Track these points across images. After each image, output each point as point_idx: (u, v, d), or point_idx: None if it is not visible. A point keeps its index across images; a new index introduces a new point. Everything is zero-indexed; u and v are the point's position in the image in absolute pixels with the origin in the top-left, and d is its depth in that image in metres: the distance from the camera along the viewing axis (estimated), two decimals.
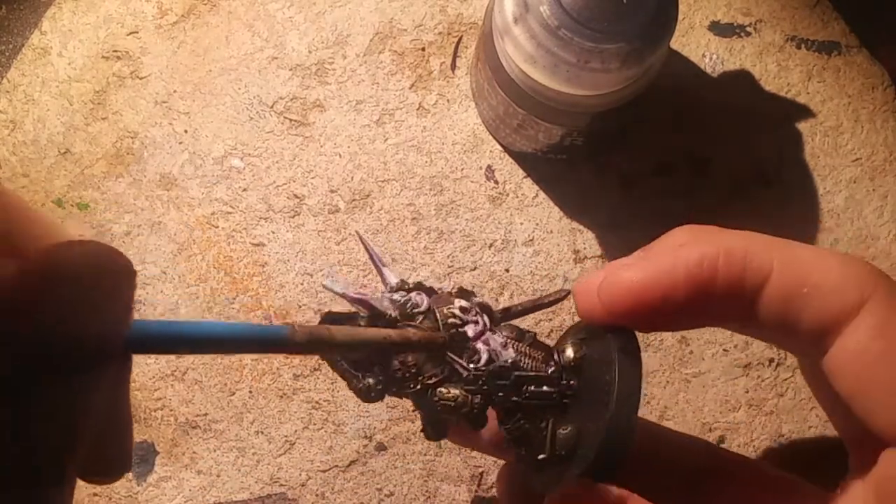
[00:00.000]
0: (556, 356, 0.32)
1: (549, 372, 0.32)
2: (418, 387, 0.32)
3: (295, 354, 0.27)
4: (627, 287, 0.23)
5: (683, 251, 0.23)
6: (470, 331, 0.32)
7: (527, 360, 0.32)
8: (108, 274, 0.17)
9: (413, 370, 0.33)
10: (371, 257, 0.35)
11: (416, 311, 0.33)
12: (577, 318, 0.45)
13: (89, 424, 0.17)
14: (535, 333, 0.33)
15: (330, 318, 0.33)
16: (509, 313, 0.35)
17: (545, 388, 0.31)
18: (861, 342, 0.21)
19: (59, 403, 0.16)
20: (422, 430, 0.35)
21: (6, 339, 0.15)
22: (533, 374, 0.32)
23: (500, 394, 0.31)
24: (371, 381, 0.33)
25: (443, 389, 0.32)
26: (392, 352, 0.29)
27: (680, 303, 0.23)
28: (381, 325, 0.33)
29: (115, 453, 0.19)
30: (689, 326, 0.26)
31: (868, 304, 0.21)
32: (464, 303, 0.33)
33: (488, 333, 0.32)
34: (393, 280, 0.35)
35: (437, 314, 0.33)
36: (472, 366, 0.32)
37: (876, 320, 0.21)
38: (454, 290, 0.34)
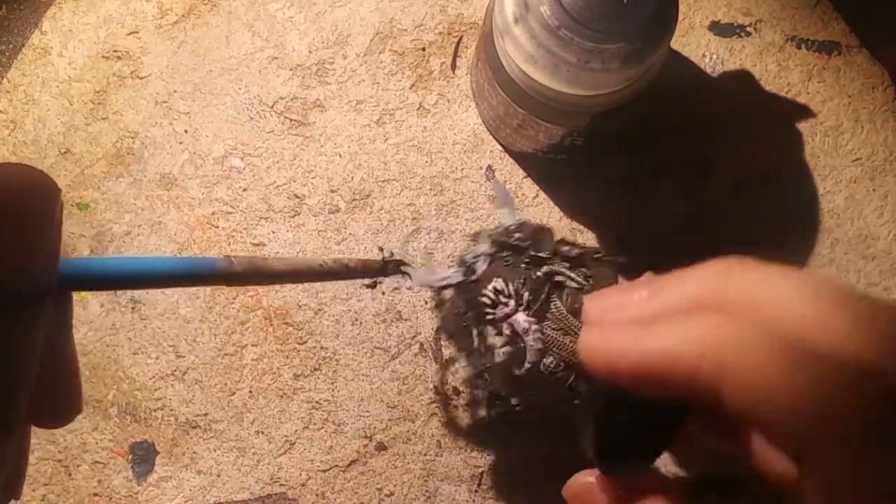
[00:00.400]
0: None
1: (559, 376, 0.33)
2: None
3: (233, 285, 0.27)
4: (591, 358, 0.22)
5: (633, 344, 0.21)
6: (499, 312, 0.35)
7: (550, 352, 0.34)
8: (32, 197, 0.15)
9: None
10: (498, 195, 0.38)
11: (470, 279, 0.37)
12: None
13: (31, 366, 0.16)
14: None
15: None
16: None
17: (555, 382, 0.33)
18: None
19: None
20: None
21: None
22: (544, 369, 0.33)
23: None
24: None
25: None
26: (335, 279, 0.30)
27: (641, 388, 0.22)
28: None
29: (64, 396, 0.18)
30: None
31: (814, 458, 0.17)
32: (499, 284, 0.35)
33: (516, 316, 0.34)
34: (508, 221, 0.38)
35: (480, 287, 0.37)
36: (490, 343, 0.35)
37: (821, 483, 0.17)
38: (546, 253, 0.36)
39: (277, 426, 0.44)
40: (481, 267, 0.38)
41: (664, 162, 0.47)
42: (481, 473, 0.44)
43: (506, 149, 0.47)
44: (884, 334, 0.18)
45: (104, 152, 0.47)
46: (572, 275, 0.37)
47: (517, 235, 0.38)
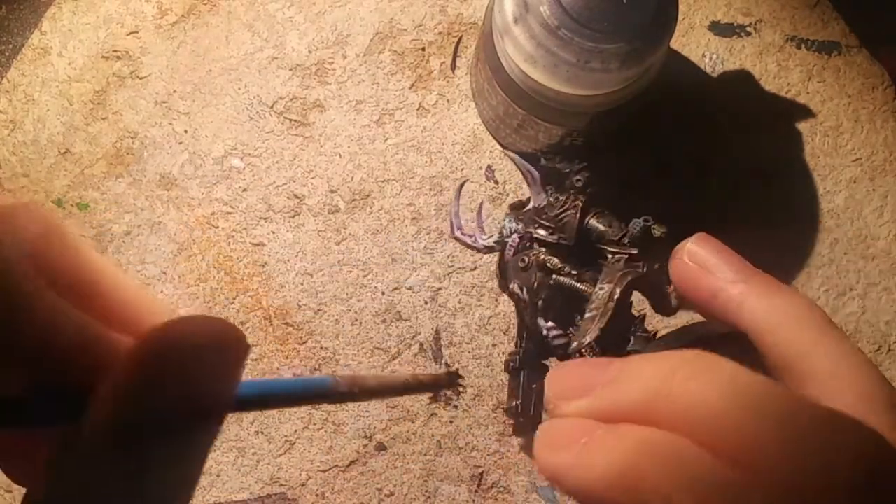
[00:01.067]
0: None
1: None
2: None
3: (329, 403, 0.29)
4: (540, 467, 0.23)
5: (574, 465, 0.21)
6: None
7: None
8: (225, 347, 0.19)
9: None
10: (523, 174, 0.39)
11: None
12: None
13: (197, 476, 0.19)
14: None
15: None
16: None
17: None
18: None
19: (176, 457, 0.18)
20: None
21: (139, 402, 0.17)
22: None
23: None
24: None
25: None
26: (416, 393, 0.30)
27: None
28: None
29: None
30: None
31: None
32: (515, 288, 0.37)
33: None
34: (535, 201, 0.38)
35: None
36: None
37: None
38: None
39: (277, 426, 0.44)
40: (509, 253, 0.38)
41: (664, 162, 0.47)
42: (481, 473, 0.44)
43: (506, 149, 0.47)
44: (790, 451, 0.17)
45: (104, 152, 0.47)
46: (577, 285, 0.37)
47: (538, 220, 0.38)
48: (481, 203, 0.42)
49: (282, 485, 0.44)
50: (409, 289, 0.45)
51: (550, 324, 0.36)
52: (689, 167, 0.47)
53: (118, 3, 0.48)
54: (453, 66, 0.48)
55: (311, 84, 0.47)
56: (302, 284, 0.45)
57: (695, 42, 0.48)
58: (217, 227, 0.46)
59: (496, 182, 0.46)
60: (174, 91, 0.47)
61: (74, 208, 0.46)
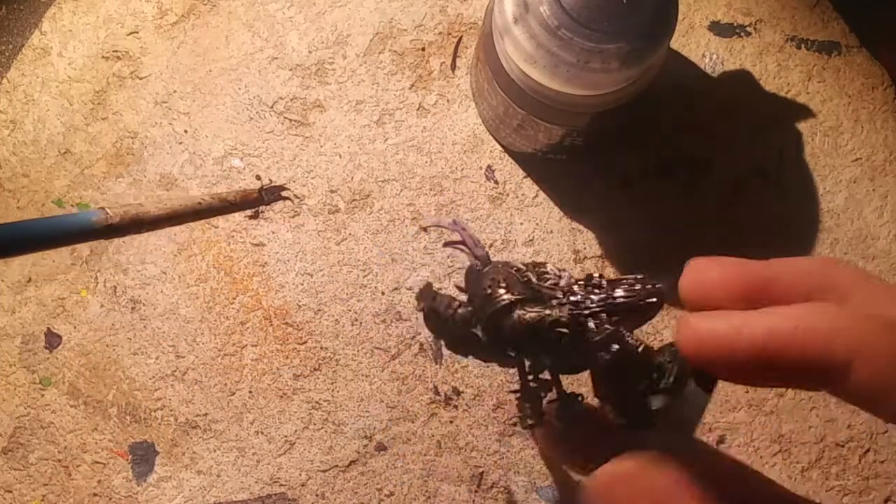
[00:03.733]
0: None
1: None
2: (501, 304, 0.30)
3: (112, 237, 0.26)
4: (699, 340, 0.22)
5: (755, 319, 0.21)
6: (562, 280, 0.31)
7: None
8: None
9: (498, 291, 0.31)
10: (462, 240, 0.36)
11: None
12: None
13: None
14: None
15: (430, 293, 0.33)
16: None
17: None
18: None
19: None
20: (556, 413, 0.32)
21: None
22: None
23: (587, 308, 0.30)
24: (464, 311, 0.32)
25: (521, 311, 0.30)
26: (216, 214, 0.28)
27: (746, 371, 0.21)
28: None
29: None
30: (770, 385, 0.24)
31: None
32: (571, 280, 0.32)
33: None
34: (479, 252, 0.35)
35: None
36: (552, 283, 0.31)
37: None
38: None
39: (277, 426, 0.44)
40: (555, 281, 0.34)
41: (664, 162, 0.47)
42: (481, 473, 0.44)
43: (505, 149, 0.47)
44: None
45: (104, 152, 0.47)
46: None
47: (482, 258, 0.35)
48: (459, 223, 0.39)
49: (282, 485, 0.44)
50: (410, 289, 0.45)
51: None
52: (689, 167, 0.47)
53: (118, 3, 0.48)
54: (453, 66, 0.48)
55: (311, 84, 0.47)
56: (302, 284, 0.45)
57: (695, 42, 0.48)
58: (217, 227, 0.46)
59: (496, 182, 0.46)
60: (174, 91, 0.47)
61: (74, 208, 0.46)
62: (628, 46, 0.35)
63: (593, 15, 0.35)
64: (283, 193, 0.33)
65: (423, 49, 0.47)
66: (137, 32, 0.48)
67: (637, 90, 0.39)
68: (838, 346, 0.19)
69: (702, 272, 0.23)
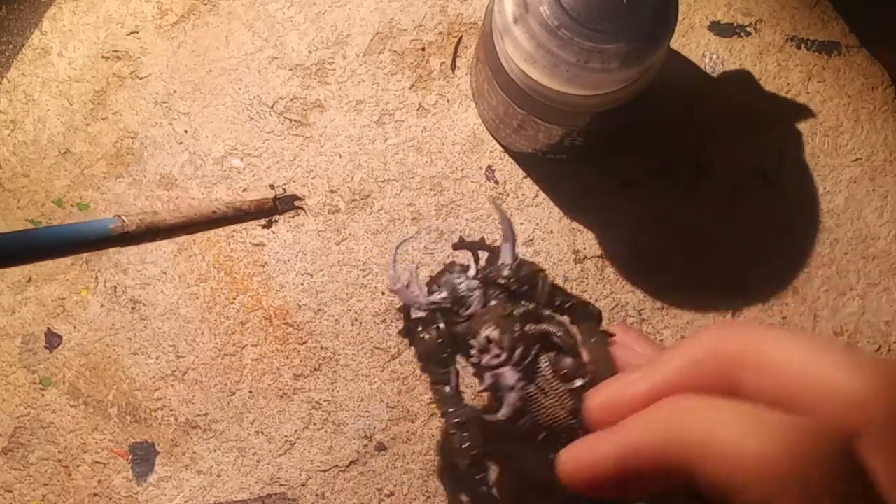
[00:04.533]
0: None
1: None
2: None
3: (128, 245, 0.26)
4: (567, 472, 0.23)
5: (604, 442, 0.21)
6: (485, 360, 0.36)
7: (528, 411, 0.35)
8: None
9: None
10: (503, 229, 0.38)
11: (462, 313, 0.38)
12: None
13: None
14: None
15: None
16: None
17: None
18: None
19: None
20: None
21: None
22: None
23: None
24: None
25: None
26: (230, 223, 0.30)
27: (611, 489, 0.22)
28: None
29: None
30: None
31: None
32: (494, 334, 0.35)
33: (504, 370, 0.35)
34: (507, 258, 0.38)
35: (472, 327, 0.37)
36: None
37: None
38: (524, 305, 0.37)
39: (277, 426, 0.44)
40: (476, 305, 0.36)
41: (664, 162, 0.47)
42: None
43: (506, 149, 0.47)
44: (872, 394, 0.18)
45: (104, 152, 0.47)
46: (566, 339, 0.36)
47: (506, 273, 0.37)
48: (417, 266, 0.41)
49: (282, 485, 0.44)
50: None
51: (519, 374, 0.36)
52: (689, 167, 0.47)
53: (118, 3, 0.48)
54: (453, 66, 0.48)
55: (311, 84, 0.47)
56: (302, 284, 0.45)
57: (695, 42, 0.48)
58: (217, 228, 0.46)
59: (496, 182, 0.46)
60: (174, 91, 0.47)
61: (74, 208, 0.46)
62: (628, 46, 0.35)
63: (593, 15, 0.35)
64: (297, 203, 0.34)
65: (423, 49, 0.48)
66: (137, 32, 0.48)
67: (637, 90, 0.39)
68: (672, 456, 0.19)
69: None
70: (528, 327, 0.36)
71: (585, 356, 0.35)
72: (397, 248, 0.39)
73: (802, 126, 0.47)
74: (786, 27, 0.48)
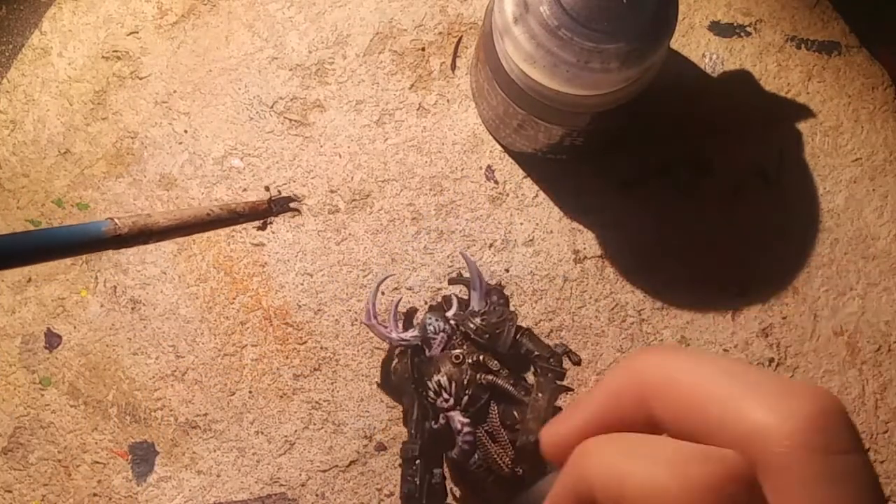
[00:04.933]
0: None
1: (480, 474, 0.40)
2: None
3: (121, 248, 0.27)
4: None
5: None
6: (439, 402, 0.40)
7: (477, 452, 0.40)
8: None
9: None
10: (471, 277, 0.42)
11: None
12: (575, 319, 0.45)
13: None
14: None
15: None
16: None
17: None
18: None
19: None
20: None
21: None
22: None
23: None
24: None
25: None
26: (225, 225, 0.31)
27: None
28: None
29: None
30: None
31: None
32: (444, 381, 0.39)
33: (452, 414, 0.39)
34: (476, 306, 0.42)
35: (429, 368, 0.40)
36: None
37: None
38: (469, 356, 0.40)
39: (277, 426, 0.44)
40: (436, 348, 0.40)
41: (664, 162, 0.47)
42: None
43: (505, 149, 0.47)
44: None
45: (104, 152, 0.47)
46: (513, 391, 0.39)
47: (477, 322, 0.40)
48: (399, 299, 0.43)
49: (282, 485, 0.44)
50: (410, 289, 0.45)
51: (467, 420, 0.39)
52: (689, 167, 0.47)
53: (118, 3, 0.48)
54: (453, 66, 0.48)
55: (311, 84, 0.47)
56: (302, 284, 0.45)
57: (695, 42, 0.48)
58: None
59: (496, 182, 0.46)
60: (174, 91, 0.47)
61: (74, 208, 0.46)
62: (628, 46, 0.35)
63: (593, 15, 0.35)
64: (292, 205, 0.34)
65: (423, 49, 0.47)
66: (137, 32, 0.48)
67: (637, 90, 0.39)
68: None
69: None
70: (479, 376, 0.39)
71: (528, 411, 0.38)
72: (380, 283, 0.42)
73: (802, 126, 0.47)
74: (786, 27, 0.48)
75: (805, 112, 0.48)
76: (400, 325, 0.42)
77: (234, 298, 0.45)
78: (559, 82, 0.37)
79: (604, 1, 0.35)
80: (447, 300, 0.43)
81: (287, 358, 0.45)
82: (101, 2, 0.48)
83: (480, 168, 0.47)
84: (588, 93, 0.38)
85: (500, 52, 0.39)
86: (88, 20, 0.48)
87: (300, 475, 0.44)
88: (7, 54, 0.48)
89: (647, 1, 0.36)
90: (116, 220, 0.22)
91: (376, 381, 0.44)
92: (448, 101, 0.47)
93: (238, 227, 0.46)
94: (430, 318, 0.41)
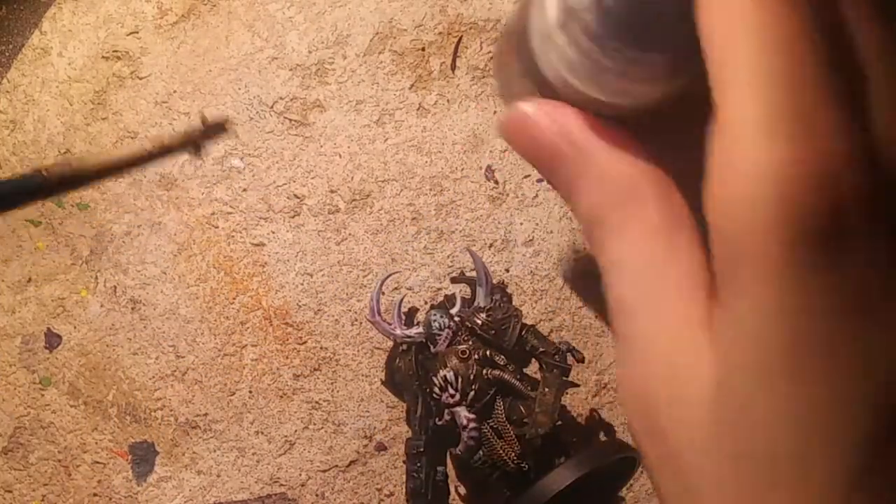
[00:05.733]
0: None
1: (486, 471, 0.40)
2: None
3: (55, 195, 0.26)
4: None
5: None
6: (444, 398, 0.40)
7: (482, 448, 0.40)
8: None
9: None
10: (477, 273, 0.42)
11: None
12: (575, 319, 0.45)
13: None
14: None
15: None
16: None
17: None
18: None
19: None
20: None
21: None
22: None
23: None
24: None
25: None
26: (156, 160, 0.30)
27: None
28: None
29: None
30: None
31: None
32: (450, 376, 0.39)
33: (458, 409, 0.39)
34: (482, 302, 0.42)
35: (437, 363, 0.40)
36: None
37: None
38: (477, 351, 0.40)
39: (277, 426, 0.44)
40: (442, 344, 0.40)
41: None
42: None
43: (507, 149, 0.47)
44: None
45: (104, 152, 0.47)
46: (520, 386, 0.39)
47: (483, 317, 0.40)
48: (402, 297, 0.43)
49: (282, 485, 0.44)
50: (410, 289, 0.45)
51: (472, 415, 0.39)
52: None
53: (118, 3, 0.48)
54: (453, 66, 0.48)
55: (311, 84, 0.47)
56: (302, 284, 0.45)
57: None
58: (217, 227, 0.46)
59: (496, 182, 0.46)
60: (174, 91, 0.47)
61: (74, 208, 0.46)
62: (674, 56, 0.35)
63: (638, 24, 0.35)
64: (226, 126, 0.33)
65: (423, 49, 0.48)
66: (137, 32, 0.48)
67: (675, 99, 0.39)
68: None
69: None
70: (485, 371, 0.39)
71: (536, 406, 0.38)
72: (383, 280, 0.42)
73: None
74: None
75: None
76: (402, 322, 0.42)
77: (234, 298, 0.45)
78: (600, 91, 0.37)
79: (649, 10, 0.35)
80: (450, 298, 0.43)
81: (287, 358, 0.45)
82: (101, 2, 0.48)
83: (480, 168, 0.47)
84: (628, 103, 0.37)
85: (539, 57, 0.39)
86: (88, 20, 0.48)
87: (300, 475, 0.44)
88: (7, 54, 0.48)
89: (692, 10, 0.35)
90: (44, 172, 0.22)
91: (380, 379, 0.44)
92: (448, 101, 0.47)
93: (238, 228, 0.46)
94: (434, 315, 0.41)
